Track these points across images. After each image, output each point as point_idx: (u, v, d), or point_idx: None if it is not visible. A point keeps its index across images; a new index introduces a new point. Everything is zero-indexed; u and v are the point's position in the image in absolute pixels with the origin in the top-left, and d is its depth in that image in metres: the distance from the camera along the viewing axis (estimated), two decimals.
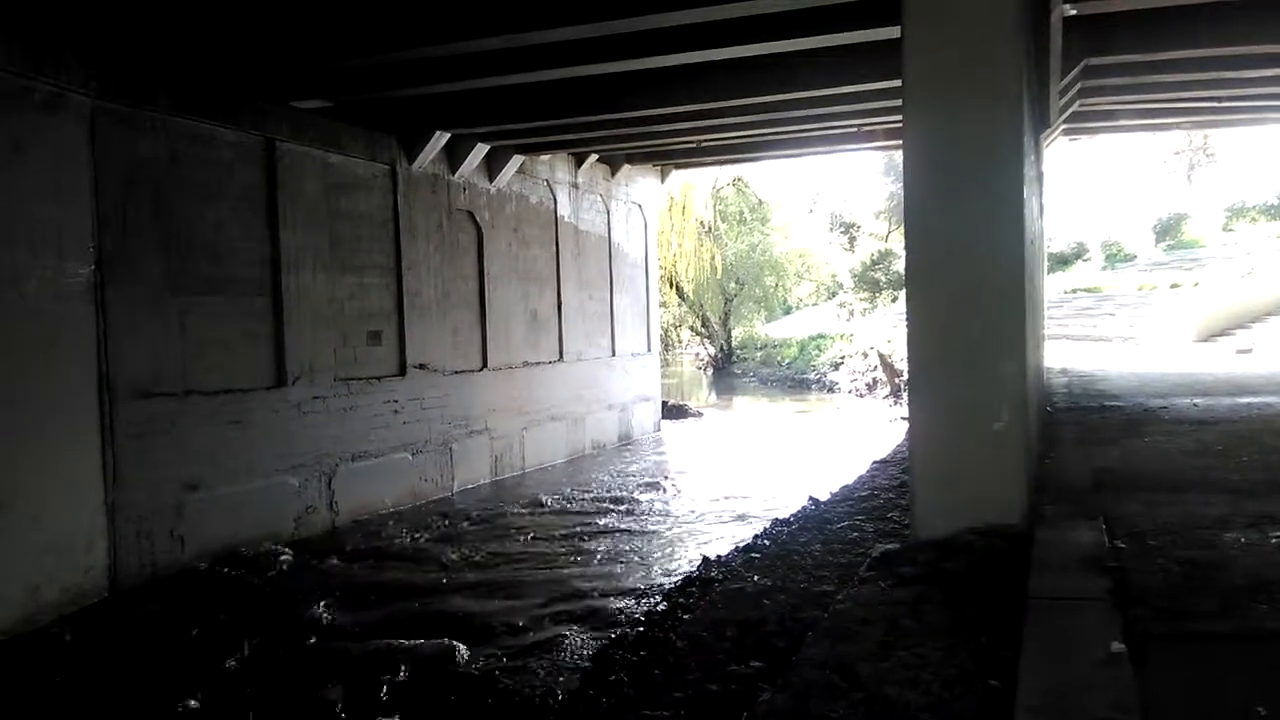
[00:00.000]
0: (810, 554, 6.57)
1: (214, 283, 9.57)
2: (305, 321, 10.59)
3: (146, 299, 8.82)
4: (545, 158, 15.03)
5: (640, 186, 18.17)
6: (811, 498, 9.50)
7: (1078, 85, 10.69)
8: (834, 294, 46.23)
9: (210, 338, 9.48)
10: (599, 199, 16.88)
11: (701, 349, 41.74)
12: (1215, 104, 13.10)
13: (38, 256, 7.73)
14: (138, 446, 8.60)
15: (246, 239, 9.97)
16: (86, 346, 8.18)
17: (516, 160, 13.92)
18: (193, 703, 6.35)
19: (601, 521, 11.31)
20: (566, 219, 15.86)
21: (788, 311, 47.60)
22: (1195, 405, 9.32)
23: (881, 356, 26.83)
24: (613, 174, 17.07)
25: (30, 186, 7.68)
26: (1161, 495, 5.05)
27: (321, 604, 8.26)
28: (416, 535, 10.69)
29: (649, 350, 18.75)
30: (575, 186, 16.11)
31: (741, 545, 8.25)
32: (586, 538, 10.54)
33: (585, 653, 6.88)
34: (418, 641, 7.24)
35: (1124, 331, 24.67)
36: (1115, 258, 35.95)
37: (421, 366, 12.42)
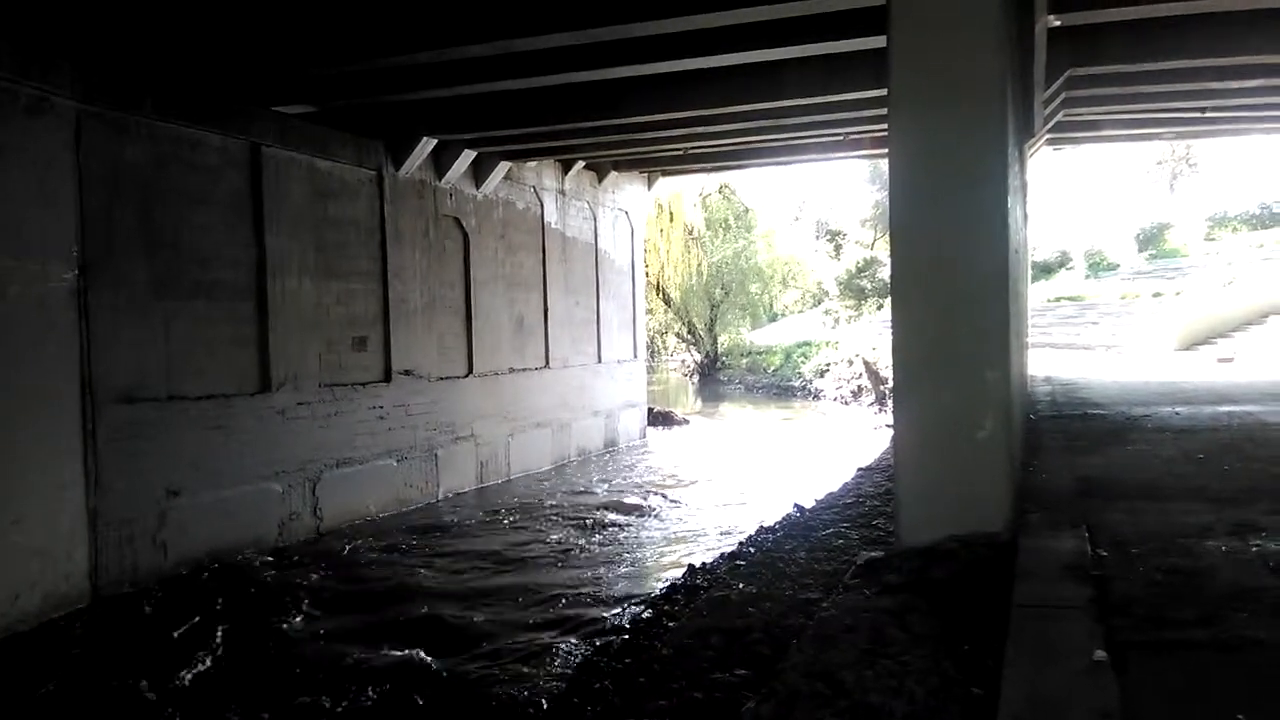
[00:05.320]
0: (795, 561, 6.57)
1: (199, 287, 9.52)
2: (290, 327, 10.54)
3: (130, 303, 8.76)
4: (532, 164, 15.02)
5: (627, 193, 18.18)
6: (797, 505, 9.51)
7: (1062, 95, 10.77)
8: (819, 301, 46.38)
9: (194, 342, 9.43)
10: (586, 205, 16.88)
11: (687, 356, 41.75)
12: (1199, 114, 13.20)
13: (20, 260, 7.68)
14: (120, 452, 8.53)
15: (232, 244, 9.92)
16: (69, 350, 8.12)
17: (503, 166, 13.92)
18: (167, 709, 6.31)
19: (586, 529, 11.29)
20: (553, 225, 15.84)
21: (773, 319, 47.67)
22: (1177, 413, 9.38)
23: (867, 364, 26.91)
24: (599, 180, 17.08)
25: (14, 190, 7.63)
26: (1144, 503, 5.08)
27: (304, 611, 8.23)
28: (400, 542, 10.65)
29: (635, 357, 18.75)
30: (562, 193, 16.10)
31: (727, 553, 8.26)
32: (571, 545, 10.52)
33: (570, 660, 6.86)
34: (399, 648, 7.21)
35: (1107, 340, 24.81)
36: (1098, 267, 36.24)
37: (407, 373, 12.38)
